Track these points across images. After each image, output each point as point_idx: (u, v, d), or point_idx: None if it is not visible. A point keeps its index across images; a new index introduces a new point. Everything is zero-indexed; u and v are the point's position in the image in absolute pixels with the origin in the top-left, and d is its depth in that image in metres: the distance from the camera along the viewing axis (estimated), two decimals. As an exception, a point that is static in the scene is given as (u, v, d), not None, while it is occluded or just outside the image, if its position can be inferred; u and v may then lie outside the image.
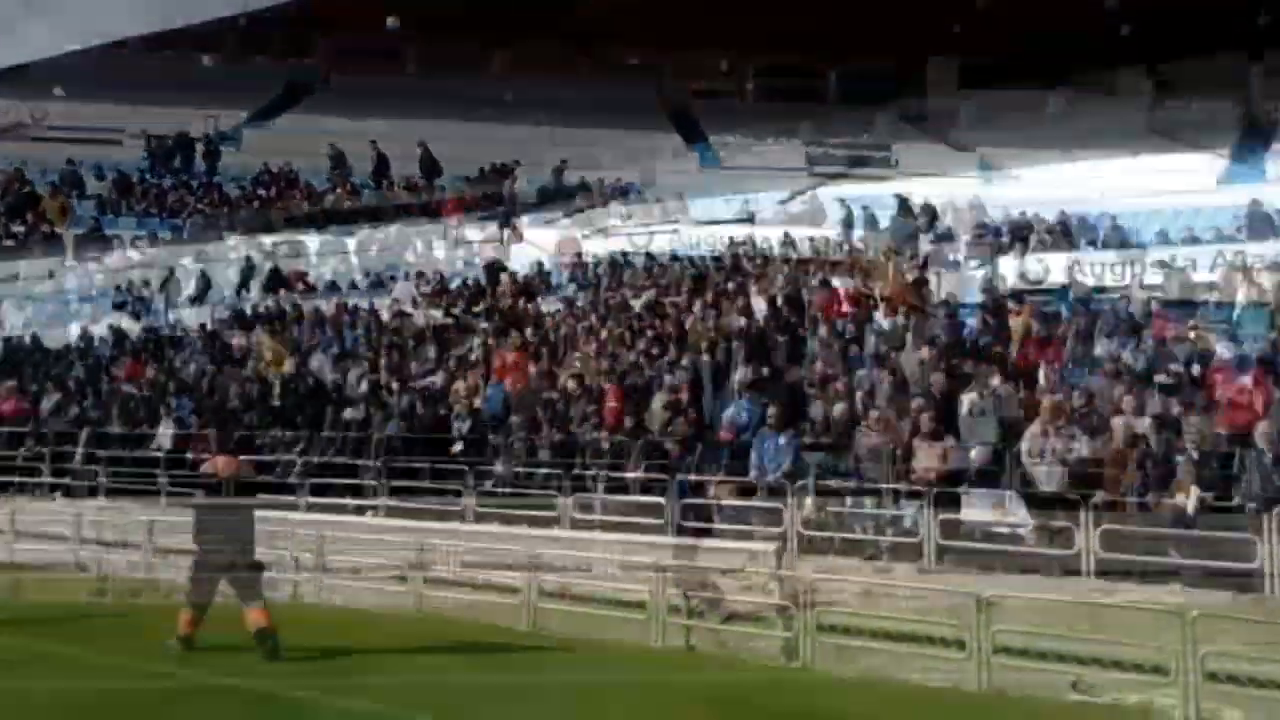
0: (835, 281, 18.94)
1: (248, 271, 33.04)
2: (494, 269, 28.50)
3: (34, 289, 43.93)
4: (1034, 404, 11.22)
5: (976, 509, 10.21)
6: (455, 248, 35.78)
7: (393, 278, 30.89)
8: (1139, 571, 9.18)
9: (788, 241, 26.25)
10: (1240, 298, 14.44)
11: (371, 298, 27.79)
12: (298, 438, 15.21)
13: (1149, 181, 24.91)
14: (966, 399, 11.38)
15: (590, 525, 12.47)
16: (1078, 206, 24.41)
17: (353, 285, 30.58)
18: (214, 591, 9.39)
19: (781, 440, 11.51)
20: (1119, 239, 20.66)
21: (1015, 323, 14.29)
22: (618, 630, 10.25)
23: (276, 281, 32.74)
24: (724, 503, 11.73)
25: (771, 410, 11.87)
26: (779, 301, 18.51)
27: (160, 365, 20.36)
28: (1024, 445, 10.50)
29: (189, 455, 15.81)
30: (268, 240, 42.95)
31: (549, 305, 23.03)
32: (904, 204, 24.26)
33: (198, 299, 31.61)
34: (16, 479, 17.64)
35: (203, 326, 24.36)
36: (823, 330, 14.96)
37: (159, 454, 16.05)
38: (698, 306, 18.77)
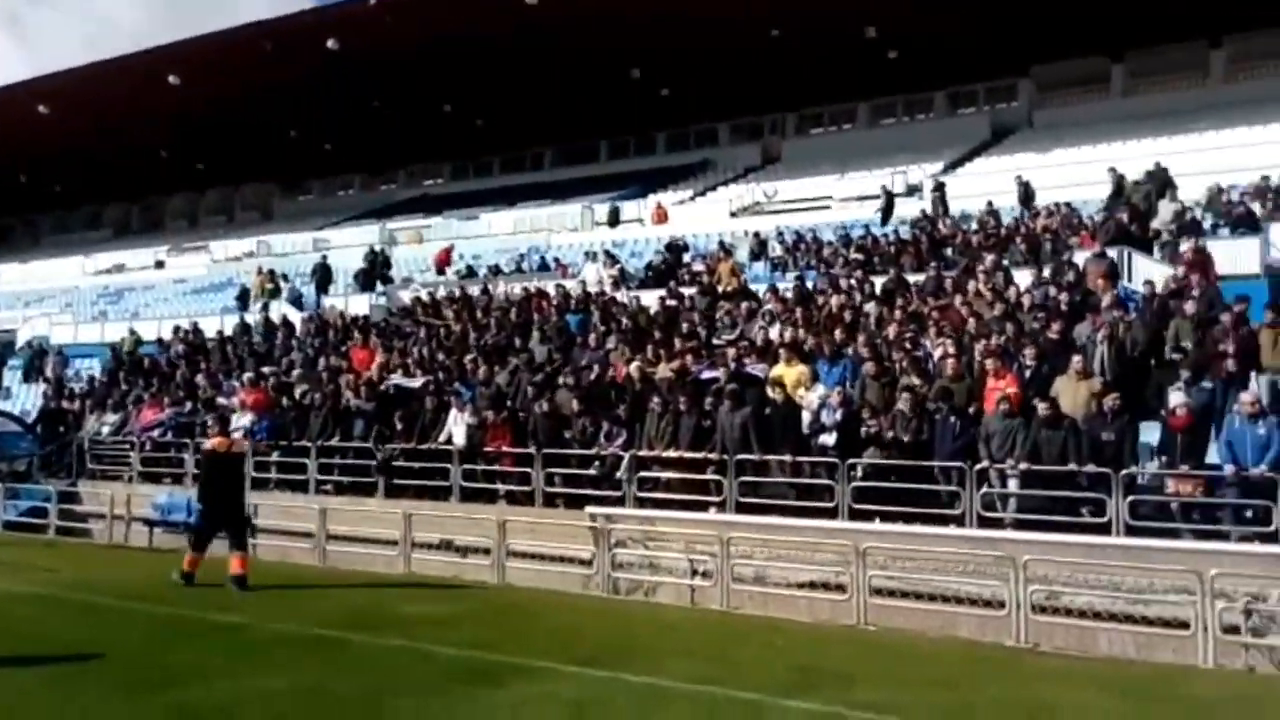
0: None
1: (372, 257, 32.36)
2: (675, 248, 27.47)
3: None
4: None
5: None
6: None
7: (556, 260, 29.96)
8: None
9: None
10: None
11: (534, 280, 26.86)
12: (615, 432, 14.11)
13: None
14: None
15: (999, 524, 11.39)
16: None
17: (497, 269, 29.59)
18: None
19: (1261, 427, 10.34)
20: None
21: None
22: (1138, 648, 9.16)
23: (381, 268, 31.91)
24: (1188, 499, 10.59)
25: (1245, 394, 10.69)
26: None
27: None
28: None
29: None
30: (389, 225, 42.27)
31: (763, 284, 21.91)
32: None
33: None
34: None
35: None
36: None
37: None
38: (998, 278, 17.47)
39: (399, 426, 16.02)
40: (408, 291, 29.32)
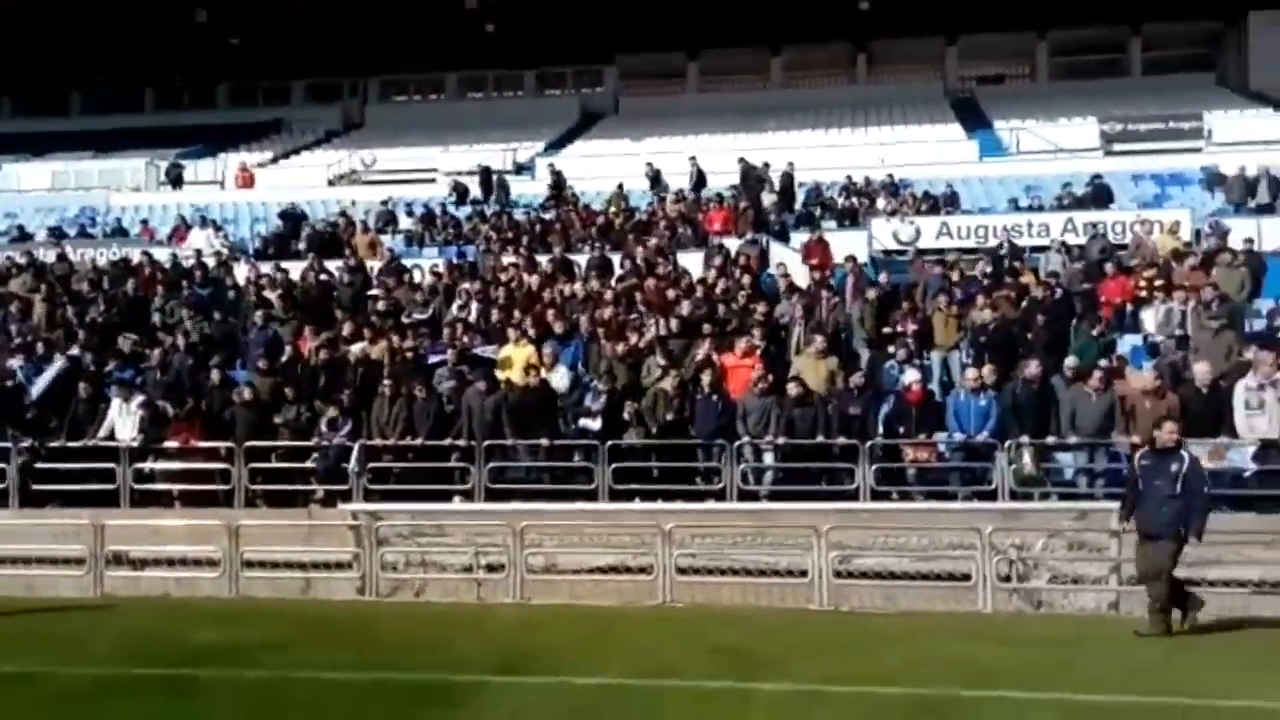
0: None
1: None
2: (292, 216, 25.19)
3: None
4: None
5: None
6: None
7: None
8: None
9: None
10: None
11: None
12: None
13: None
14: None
15: (755, 496, 12.03)
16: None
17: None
18: None
19: (982, 400, 11.84)
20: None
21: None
22: (928, 601, 10.14)
23: None
24: (925, 464, 11.90)
25: (972, 372, 12.16)
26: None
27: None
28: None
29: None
30: None
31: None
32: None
33: None
34: None
35: None
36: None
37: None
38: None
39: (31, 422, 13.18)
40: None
